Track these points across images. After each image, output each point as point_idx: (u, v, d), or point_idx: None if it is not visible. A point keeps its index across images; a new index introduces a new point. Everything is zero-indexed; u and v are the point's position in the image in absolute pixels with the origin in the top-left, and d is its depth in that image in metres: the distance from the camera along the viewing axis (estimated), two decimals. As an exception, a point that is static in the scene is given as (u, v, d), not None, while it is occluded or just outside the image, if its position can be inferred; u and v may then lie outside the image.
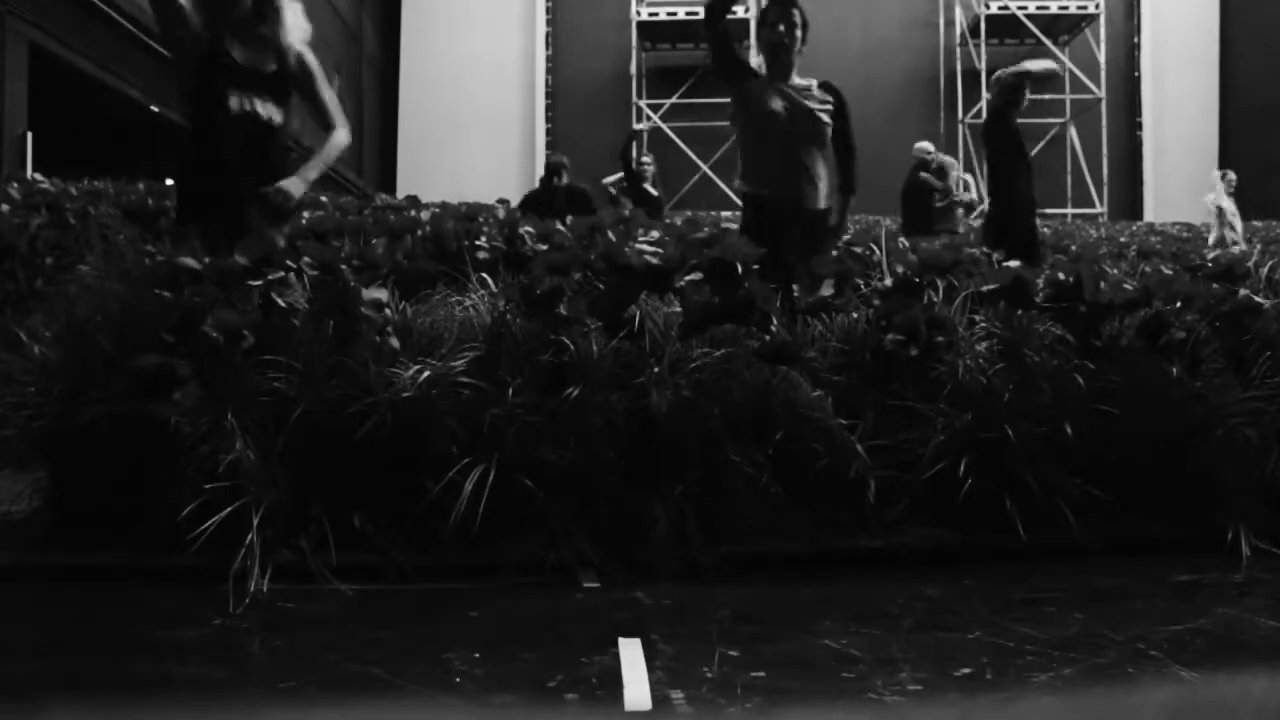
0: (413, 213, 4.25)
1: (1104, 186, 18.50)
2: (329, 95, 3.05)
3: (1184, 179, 18.29)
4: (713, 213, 10.77)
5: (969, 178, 9.30)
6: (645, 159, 8.09)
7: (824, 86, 3.53)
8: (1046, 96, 16.97)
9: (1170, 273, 3.32)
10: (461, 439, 2.36)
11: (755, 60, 4.82)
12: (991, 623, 1.96)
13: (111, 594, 2.18)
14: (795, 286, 3.02)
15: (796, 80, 3.50)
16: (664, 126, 17.50)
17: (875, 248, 3.43)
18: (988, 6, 17.97)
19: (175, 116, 10.47)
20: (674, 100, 18.09)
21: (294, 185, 2.84)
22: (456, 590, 2.20)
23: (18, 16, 8.67)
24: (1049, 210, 15.65)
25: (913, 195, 7.82)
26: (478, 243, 3.57)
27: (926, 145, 8.28)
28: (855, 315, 2.87)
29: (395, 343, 2.50)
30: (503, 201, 6.75)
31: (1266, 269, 3.82)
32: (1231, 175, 9.11)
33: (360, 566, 2.22)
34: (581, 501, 2.36)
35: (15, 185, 5.69)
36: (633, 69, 18.28)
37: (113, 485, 2.34)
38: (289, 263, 2.59)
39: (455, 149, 18.62)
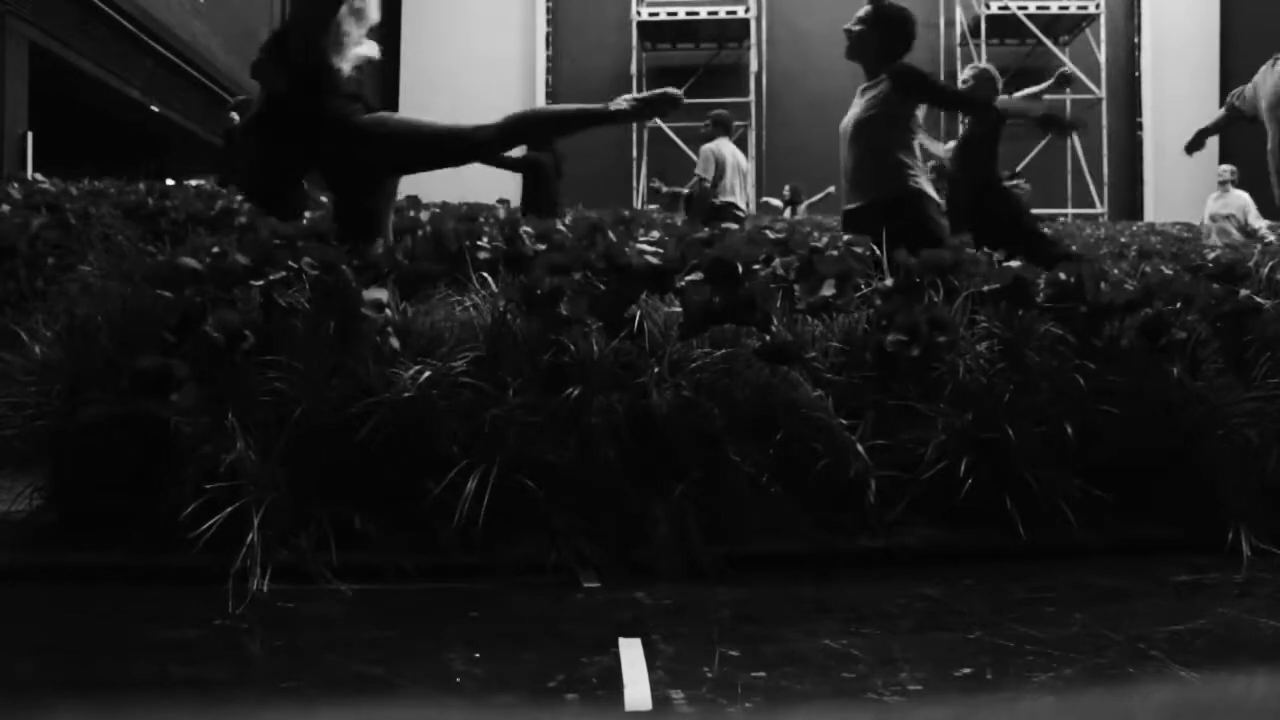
0: (413, 213, 4.24)
1: (1104, 186, 18.48)
2: None
3: (1184, 179, 18.25)
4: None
5: None
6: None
7: None
8: (1047, 97, 16.92)
9: (1171, 273, 3.31)
10: (462, 439, 2.36)
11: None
12: (991, 623, 1.96)
13: (112, 594, 2.18)
14: None
15: None
16: (664, 126, 17.48)
17: (875, 248, 3.42)
18: (988, 6, 17.96)
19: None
20: (674, 100, 18.08)
21: None
22: (456, 590, 2.20)
23: (18, 16, 8.68)
24: (1050, 210, 15.66)
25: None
26: (478, 243, 3.56)
27: None
28: (856, 315, 2.87)
29: (396, 343, 2.50)
30: (503, 202, 6.74)
31: (1267, 269, 3.82)
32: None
33: (360, 566, 2.22)
34: (582, 501, 2.36)
35: (15, 185, 5.70)
36: (633, 69, 18.25)
37: (113, 485, 2.33)
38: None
39: (455, 149, 18.53)
